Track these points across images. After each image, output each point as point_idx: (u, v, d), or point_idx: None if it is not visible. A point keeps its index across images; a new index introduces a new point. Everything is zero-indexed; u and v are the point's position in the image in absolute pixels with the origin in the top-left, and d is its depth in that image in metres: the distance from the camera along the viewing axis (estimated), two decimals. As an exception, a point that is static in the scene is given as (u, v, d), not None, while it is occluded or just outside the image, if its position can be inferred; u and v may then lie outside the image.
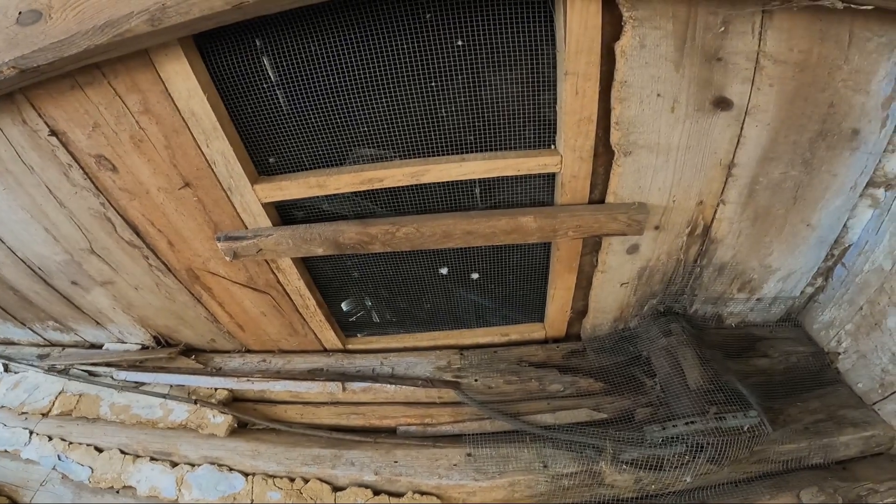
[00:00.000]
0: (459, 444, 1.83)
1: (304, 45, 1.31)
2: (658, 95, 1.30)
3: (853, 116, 1.37)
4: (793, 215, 1.65)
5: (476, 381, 1.96)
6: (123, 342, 2.45)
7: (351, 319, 2.17)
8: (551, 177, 1.56)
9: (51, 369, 2.45)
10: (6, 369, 2.58)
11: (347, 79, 1.36)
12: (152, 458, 2.03)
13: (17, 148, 1.58)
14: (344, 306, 2.12)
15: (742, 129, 1.38)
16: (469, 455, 1.78)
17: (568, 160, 1.45)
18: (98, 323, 2.36)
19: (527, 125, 1.44)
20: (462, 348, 2.13)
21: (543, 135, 1.46)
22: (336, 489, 1.79)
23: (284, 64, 1.35)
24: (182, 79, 1.33)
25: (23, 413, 2.35)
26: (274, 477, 1.85)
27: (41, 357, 2.55)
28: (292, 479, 1.83)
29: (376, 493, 1.76)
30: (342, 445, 1.90)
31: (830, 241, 1.78)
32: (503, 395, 1.95)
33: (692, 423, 1.64)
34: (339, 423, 2.02)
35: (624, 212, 1.53)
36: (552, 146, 1.48)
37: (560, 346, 2.10)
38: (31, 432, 2.25)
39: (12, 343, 2.73)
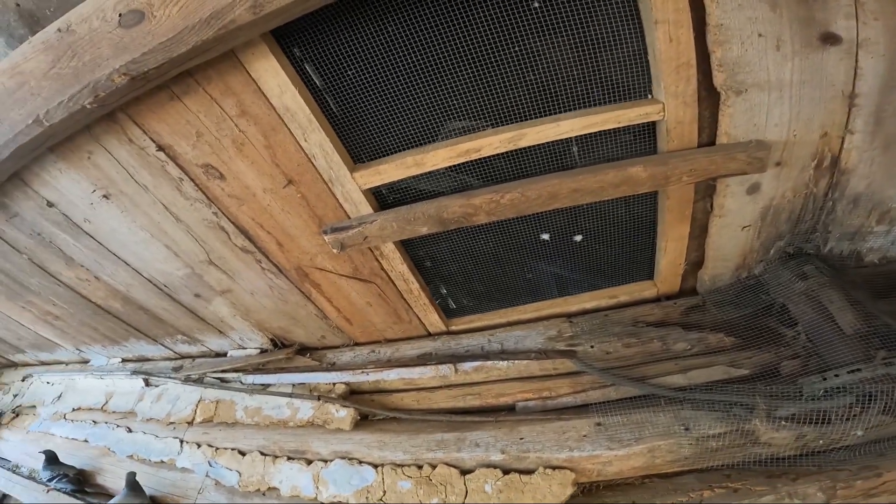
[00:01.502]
0: (585, 415, 1.76)
1: (384, 25, 1.31)
2: (759, 35, 1.26)
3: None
4: None
5: (592, 347, 1.89)
6: (244, 348, 2.61)
7: (452, 299, 2.16)
8: (650, 127, 1.51)
9: (187, 379, 2.66)
10: (147, 384, 2.84)
11: (431, 53, 1.36)
12: (289, 458, 2.13)
13: (128, 169, 1.69)
14: (443, 288, 2.12)
15: (857, 61, 1.32)
16: (599, 424, 1.71)
17: (671, 107, 1.39)
18: (221, 332, 2.53)
19: (616, 78, 1.41)
20: (569, 315, 2.07)
21: (635, 86, 1.42)
22: (464, 472, 1.78)
23: (366, 47, 1.36)
24: (272, 75, 1.37)
25: (170, 423, 2.57)
26: (402, 466, 1.88)
27: (175, 369, 2.78)
28: (420, 467, 1.85)
29: (505, 471, 1.73)
30: (463, 427, 1.89)
31: None
32: (623, 360, 1.86)
33: (857, 370, 1.49)
34: (456, 405, 2.02)
35: (742, 150, 1.43)
36: (648, 96, 1.43)
37: (677, 302, 1.98)
38: (181, 441, 2.44)
39: (147, 359, 3.01)
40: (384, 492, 1.84)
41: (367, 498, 1.85)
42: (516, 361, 1.95)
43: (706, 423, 1.59)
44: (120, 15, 1.13)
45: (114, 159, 1.67)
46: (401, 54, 1.36)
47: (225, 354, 2.68)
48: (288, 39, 1.36)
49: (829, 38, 1.27)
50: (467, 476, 1.75)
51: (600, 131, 1.48)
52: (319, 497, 1.95)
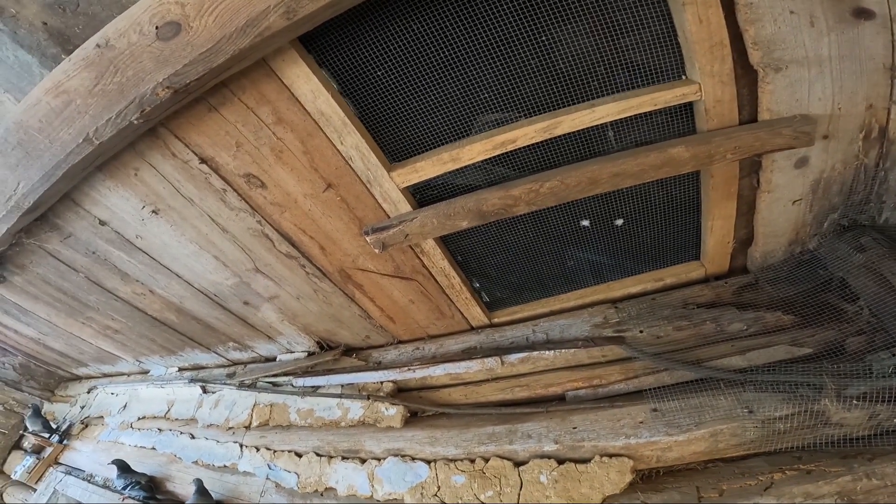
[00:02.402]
0: (639, 401, 1.73)
1: (408, 23, 1.32)
2: (791, 13, 1.25)
3: None
4: None
5: (641, 332, 1.85)
6: (292, 352, 2.68)
7: (493, 292, 2.16)
8: (687, 108, 1.47)
9: (241, 385, 2.75)
10: (204, 391, 2.96)
11: (459, 47, 1.36)
12: (343, 458, 2.17)
13: (173, 183, 1.75)
14: (483, 282, 2.12)
15: (893, 34, 1.29)
16: (655, 410, 1.67)
17: (708, 86, 1.37)
18: (270, 337, 2.61)
19: (646, 62, 1.39)
20: (614, 301, 2.03)
21: (666, 69, 1.40)
22: (518, 464, 1.78)
23: (392, 45, 1.37)
24: (304, 81, 1.39)
25: (229, 428, 2.66)
26: (455, 461, 1.89)
27: (230, 375, 2.88)
28: (472, 461, 1.85)
29: (560, 461, 1.71)
30: (514, 420, 1.89)
31: None
32: (675, 343, 1.81)
33: None
34: (505, 397, 2.02)
35: (788, 125, 1.40)
36: (683, 77, 1.41)
37: (728, 282, 1.92)
38: (241, 445, 2.53)
39: (201, 367, 3.13)
40: (438, 487, 1.85)
41: (421, 494, 1.87)
42: (563, 350, 1.93)
43: (772, 404, 1.54)
44: (157, 27, 1.14)
45: (159, 174, 1.72)
46: (428, 50, 1.37)
47: (274, 359, 2.76)
48: (316, 44, 1.37)
49: (862, 13, 1.25)
50: (521, 468, 1.75)
51: (636, 115, 1.46)
52: (375, 495, 1.98)
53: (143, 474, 2.71)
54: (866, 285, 1.65)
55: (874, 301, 1.61)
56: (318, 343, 2.55)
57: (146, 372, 3.41)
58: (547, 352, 1.96)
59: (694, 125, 1.50)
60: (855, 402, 1.45)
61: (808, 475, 1.46)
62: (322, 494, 2.13)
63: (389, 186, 1.66)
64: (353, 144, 1.55)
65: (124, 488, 2.63)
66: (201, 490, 2.28)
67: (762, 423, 1.52)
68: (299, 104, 1.46)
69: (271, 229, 1.90)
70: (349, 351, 2.53)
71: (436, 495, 1.84)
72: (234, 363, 2.98)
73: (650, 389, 1.73)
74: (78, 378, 4.01)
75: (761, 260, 1.87)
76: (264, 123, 1.52)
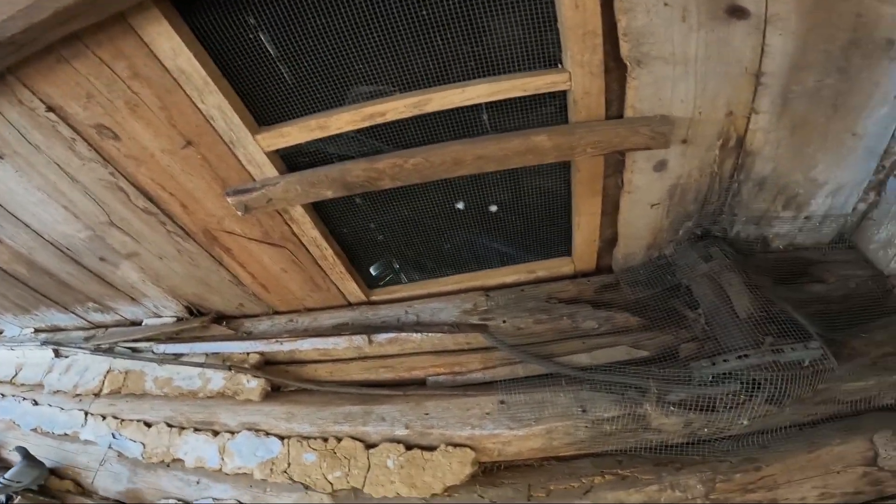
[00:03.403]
0: (492, 392, 1.75)
1: None
2: (665, 5, 1.22)
3: (884, 26, 1.27)
4: (835, 124, 1.51)
5: (504, 322, 1.89)
6: (160, 316, 2.50)
7: (373, 269, 2.12)
8: (563, 98, 1.48)
9: (97, 349, 2.53)
10: (57, 354, 2.70)
11: (337, 16, 1.30)
12: (196, 429, 2.08)
13: (20, 129, 1.61)
14: (363, 256, 2.08)
15: (764, 38, 1.29)
16: (502, 402, 1.70)
17: (577, 76, 1.36)
18: (133, 299, 2.42)
19: (526, 47, 1.37)
20: (488, 290, 2.06)
21: (550, 56, 1.38)
22: (369, 446, 1.77)
23: (269, 12, 1.30)
24: (165, 39, 1.32)
25: (77, 395, 2.46)
26: (308, 438, 1.85)
27: (87, 339, 2.64)
28: (326, 440, 1.83)
29: (408, 447, 1.72)
30: (372, 401, 1.88)
31: (879, 152, 1.61)
32: (534, 337, 1.87)
33: (745, 356, 1.46)
34: (369, 377, 2.00)
35: (646, 124, 1.43)
36: (559, 65, 1.39)
37: (591, 280, 2.00)
38: (86, 413, 2.36)
39: (60, 329, 2.85)
40: (289, 464, 1.81)
41: (271, 470, 1.82)
42: (430, 334, 1.93)
43: (602, 405, 1.59)
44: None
45: (5, 120, 1.59)
46: (303, 18, 1.31)
47: (140, 323, 2.56)
48: (188, 4, 1.30)
49: (737, 12, 1.24)
50: (371, 450, 1.74)
51: (515, 101, 1.46)
52: (224, 468, 1.91)
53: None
54: (706, 294, 1.73)
55: (710, 310, 1.69)
56: (187, 308, 2.39)
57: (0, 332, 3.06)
58: (415, 334, 1.96)
59: (567, 116, 1.51)
60: (672, 407, 1.52)
61: (623, 481, 1.52)
62: (168, 466, 2.03)
63: (254, 149, 1.57)
64: (216, 104, 1.46)
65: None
66: (26, 455, 2.10)
67: (592, 423, 1.57)
68: (157, 60, 1.37)
69: (126, 182, 1.75)
70: (221, 319, 2.40)
71: (285, 472, 1.80)
72: (96, 326, 2.74)
73: (502, 381, 1.76)
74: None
75: (623, 261, 1.96)
76: (119, 77, 1.43)
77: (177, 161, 1.64)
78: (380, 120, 1.46)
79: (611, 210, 1.78)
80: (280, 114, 1.54)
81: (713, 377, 1.52)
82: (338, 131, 1.51)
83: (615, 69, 1.37)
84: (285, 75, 1.44)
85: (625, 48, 1.30)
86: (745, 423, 1.49)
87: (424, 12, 1.29)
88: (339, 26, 1.32)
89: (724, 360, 1.50)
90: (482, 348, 1.89)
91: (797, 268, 1.91)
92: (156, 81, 1.42)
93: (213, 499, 1.83)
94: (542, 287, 2.01)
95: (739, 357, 1.47)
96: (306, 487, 1.74)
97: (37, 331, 2.92)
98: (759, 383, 1.43)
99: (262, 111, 1.54)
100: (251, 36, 1.35)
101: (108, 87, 1.45)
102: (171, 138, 1.57)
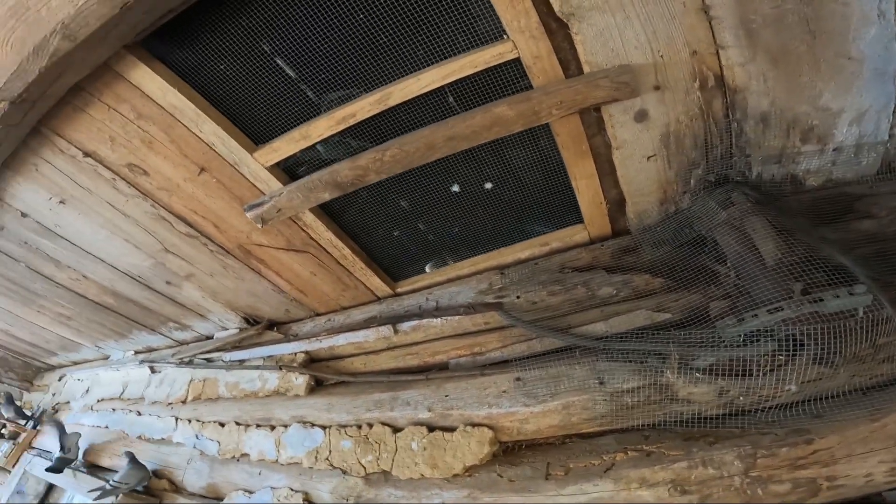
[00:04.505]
0: (509, 370, 1.74)
1: (237, 19, 1.40)
2: None
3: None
4: (821, 50, 1.37)
5: (518, 297, 1.88)
6: (226, 328, 2.79)
7: (396, 261, 2.21)
8: (519, 68, 1.47)
9: (181, 363, 2.88)
10: (152, 371, 3.10)
11: (287, 36, 1.42)
12: (257, 426, 2.30)
13: (69, 175, 1.88)
14: (378, 249, 2.16)
15: None
16: (518, 379, 1.68)
17: (521, 42, 1.36)
18: (201, 315, 2.72)
19: (470, 27, 1.39)
20: (503, 268, 2.06)
21: (494, 31, 1.39)
22: (396, 430, 1.84)
23: (229, 41, 1.44)
24: (149, 80, 1.50)
25: (169, 404, 2.81)
26: (345, 426, 1.98)
27: (173, 355, 3.01)
28: (360, 427, 1.93)
29: (431, 429, 1.76)
30: (398, 387, 1.96)
31: (893, 72, 1.43)
32: (551, 310, 1.84)
33: (778, 310, 1.25)
34: (397, 365, 2.10)
35: (604, 76, 1.40)
36: (504, 37, 1.40)
37: (606, 244, 1.92)
38: (176, 419, 2.69)
39: (153, 349, 3.27)
40: (330, 451, 1.95)
41: (315, 457, 1.97)
42: (449, 318, 1.98)
43: (621, 376, 1.47)
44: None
45: (55, 168, 1.86)
46: (259, 42, 1.44)
47: (212, 337, 2.87)
48: (160, 46, 1.46)
49: None
50: (398, 434, 1.82)
51: (480, 81, 1.49)
52: (279, 459, 2.10)
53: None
54: (731, 244, 1.56)
55: (738, 261, 1.51)
56: (244, 319, 2.65)
57: (107, 357, 3.58)
58: (435, 319, 2.01)
59: (531, 85, 1.50)
60: (699, 374, 1.35)
61: (648, 458, 1.38)
62: (238, 460, 2.25)
63: (255, 166, 1.72)
64: (212, 131, 1.64)
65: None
66: (131, 460, 2.42)
67: (611, 395, 1.46)
68: (152, 100, 1.56)
69: (165, 212, 1.99)
70: (273, 325, 2.62)
71: (327, 458, 1.94)
72: (180, 343, 3.11)
73: (517, 358, 1.75)
74: (52, 367, 4.21)
75: (638, 220, 1.87)
76: (128, 119, 1.63)
77: (198, 187, 1.84)
78: (352, 121, 1.56)
79: (608, 170, 1.72)
80: (272, 131, 1.68)
81: (744, 336, 1.34)
82: (319, 138, 1.62)
83: (558, 29, 1.36)
84: (264, 96, 1.58)
85: (556, 4, 1.29)
86: (793, 388, 1.29)
87: (361, 16, 1.37)
88: (293, 42, 1.43)
89: (754, 316, 1.32)
90: (499, 327, 1.90)
91: (840, 205, 1.68)
92: (157, 119, 1.61)
93: (271, 487, 2.02)
94: (555, 258, 1.97)
95: (770, 311, 1.28)
96: (343, 472, 1.86)
97: (136, 352, 3.37)
98: (800, 340, 1.23)
99: (255, 131, 1.69)
100: (222, 66, 1.50)
101: (123, 129, 1.66)
102: (186, 167, 1.77)
